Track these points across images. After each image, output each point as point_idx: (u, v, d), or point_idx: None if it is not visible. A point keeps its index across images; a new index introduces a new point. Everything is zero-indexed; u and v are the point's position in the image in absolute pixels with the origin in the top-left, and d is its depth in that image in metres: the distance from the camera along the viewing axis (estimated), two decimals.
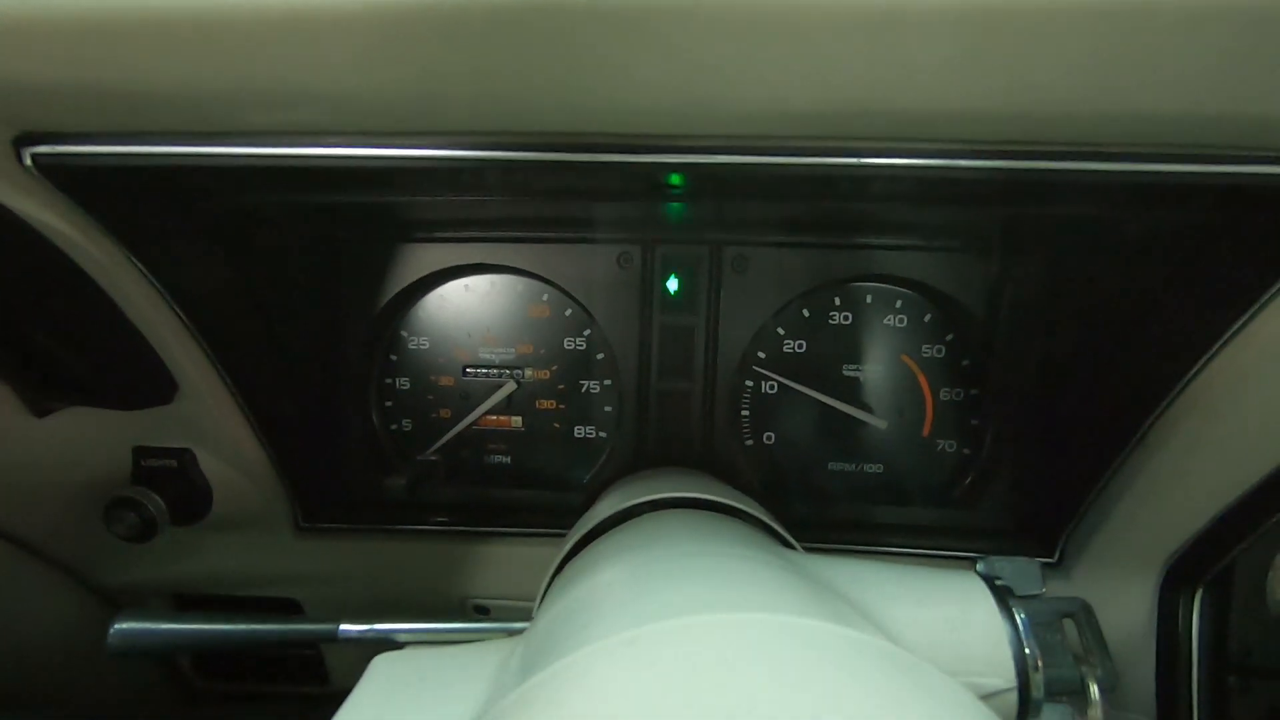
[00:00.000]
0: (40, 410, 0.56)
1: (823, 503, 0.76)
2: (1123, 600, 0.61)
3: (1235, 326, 0.47)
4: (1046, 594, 0.38)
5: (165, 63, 0.33)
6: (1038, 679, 0.33)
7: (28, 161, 0.41)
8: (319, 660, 0.78)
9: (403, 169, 0.45)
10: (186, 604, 0.76)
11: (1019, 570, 0.38)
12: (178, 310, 0.53)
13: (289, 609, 0.75)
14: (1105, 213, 0.55)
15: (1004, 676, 0.33)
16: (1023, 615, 0.35)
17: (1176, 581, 0.60)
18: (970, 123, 0.37)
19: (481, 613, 0.73)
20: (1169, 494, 0.56)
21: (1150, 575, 0.60)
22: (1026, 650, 0.34)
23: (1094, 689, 0.34)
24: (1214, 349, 0.49)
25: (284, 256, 0.69)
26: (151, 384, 0.56)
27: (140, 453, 0.63)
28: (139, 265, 0.50)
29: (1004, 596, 0.36)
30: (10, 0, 0.29)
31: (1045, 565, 0.66)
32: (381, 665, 0.37)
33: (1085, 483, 0.61)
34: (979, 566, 0.39)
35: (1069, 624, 0.37)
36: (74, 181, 0.44)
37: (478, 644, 0.39)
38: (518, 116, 0.40)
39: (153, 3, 0.29)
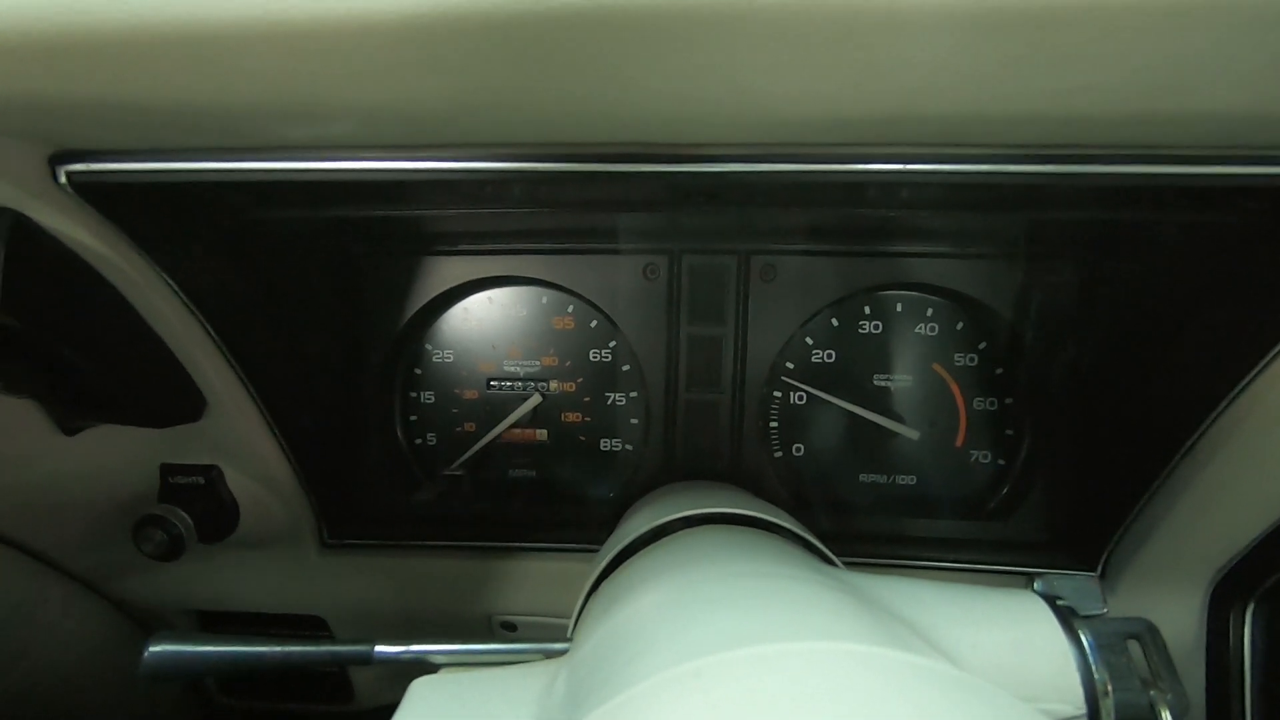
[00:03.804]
0: (70, 428, 0.55)
1: (854, 515, 0.74)
2: (1170, 616, 0.59)
3: None
4: (1108, 613, 0.37)
5: (200, 78, 0.33)
6: (1108, 704, 0.32)
7: (62, 179, 0.41)
8: (344, 678, 0.77)
9: (430, 182, 0.44)
10: (210, 621, 0.76)
11: (1080, 589, 0.37)
12: (207, 327, 0.53)
13: (314, 626, 0.74)
14: (1150, 216, 0.53)
15: (1073, 703, 0.32)
16: (1089, 637, 0.33)
17: (1227, 596, 0.58)
18: (1025, 126, 0.36)
19: (508, 629, 0.72)
20: (1219, 505, 0.54)
21: (1198, 590, 0.58)
22: (1095, 675, 0.32)
23: (1166, 716, 0.32)
24: (1269, 356, 0.47)
25: (310, 272, 0.68)
26: (180, 401, 0.56)
27: (168, 470, 0.62)
28: (170, 282, 0.50)
29: (1067, 617, 0.34)
30: (45, 20, 0.29)
31: None
32: (421, 690, 0.36)
33: (1129, 494, 0.59)
34: (1037, 585, 0.38)
35: (1133, 645, 0.36)
36: (107, 198, 0.44)
37: (516, 667, 0.38)
38: (547, 128, 0.39)
39: (188, 19, 0.29)
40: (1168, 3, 0.25)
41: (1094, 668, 0.32)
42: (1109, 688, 0.32)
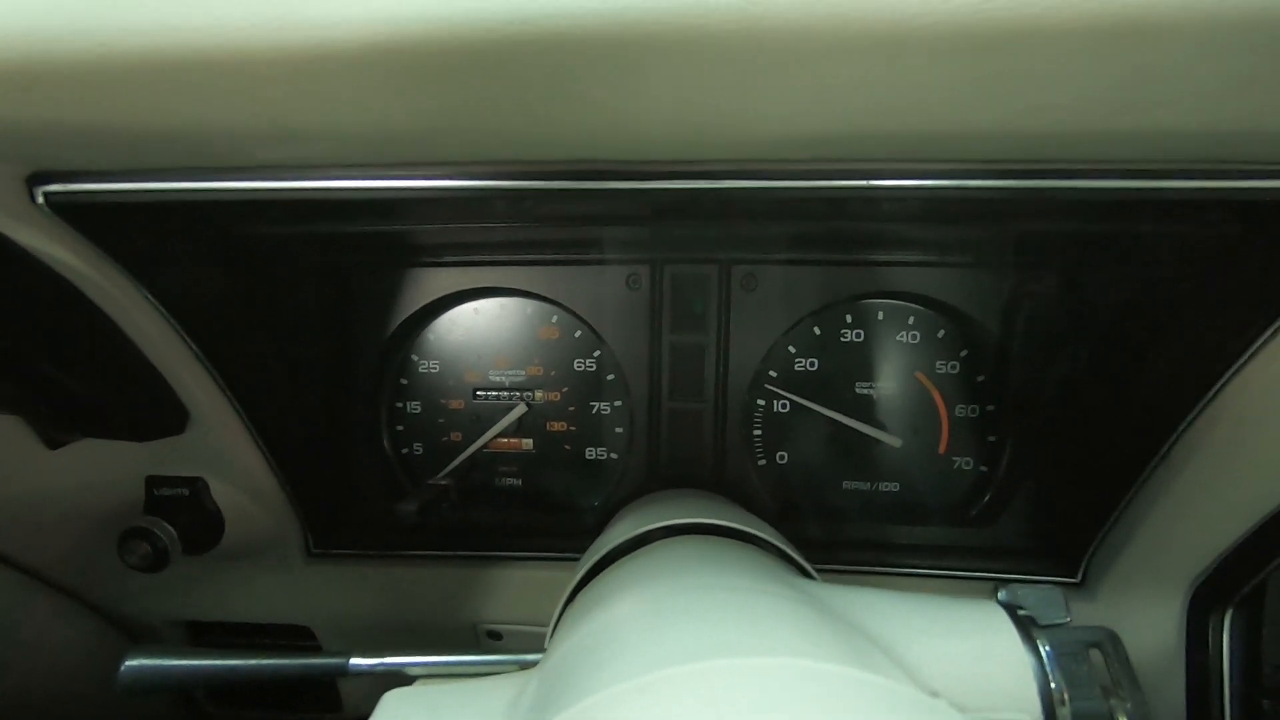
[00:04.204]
0: (53, 442, 0.56)
1: (837, 522, 0.75)
2: (1150, 622, 0.59)
3: (1262, 339, 0.46)
4: (1072, 622, 0.37)
5: (176, 103, 0.34)
6: (1064, 713, 0.32)
7: (40, 200, 0.42)
8: (332, 687, 0.77)
9: (411, 199, 0.45)
10: (200, 631, 0.76)
11: (1042, 598, 0.37)
12: (188, 340, 0.54)
13: (300, 635, 0.74)
14: (1123, 227, 0.54)
15: (1029, 711, 0.32)
16: (1047, 646, 0.34)
17: (1205, 602, 0.58)
18: (986, 143, 0.36)
19: (494, 638, 0.72)
20: (1196, 511, 0.54)
21: (1178, 595, 0.59)
22: (1052, 684, 0.33)
23: None
24: (1239, 362, 0.47)
25: (293, 284, 0.69)
26: (163, 414, 0.56)
27: (153, 482, 0.63)
28: (149, 297, 0.50)
29: (1027, 627, 0.35)
30: (22, 44, 0.30)
31: (1068, 586, 0.64)
32: (392, 701, 0.36)
33: (1108, 500, 0.60)
34: (1000, 595, 0.38)
35: (1096, 654, 0.36)
36: (85, 218, 0.44)
37: (489, 678, 0.39)
38: (526, 147, 0.40)
39: (164, 45, 0.29)
40: (1120, 24, 0.26)
41: (1051, 676, 0.33)
42: (1065, 696, 0.32)
